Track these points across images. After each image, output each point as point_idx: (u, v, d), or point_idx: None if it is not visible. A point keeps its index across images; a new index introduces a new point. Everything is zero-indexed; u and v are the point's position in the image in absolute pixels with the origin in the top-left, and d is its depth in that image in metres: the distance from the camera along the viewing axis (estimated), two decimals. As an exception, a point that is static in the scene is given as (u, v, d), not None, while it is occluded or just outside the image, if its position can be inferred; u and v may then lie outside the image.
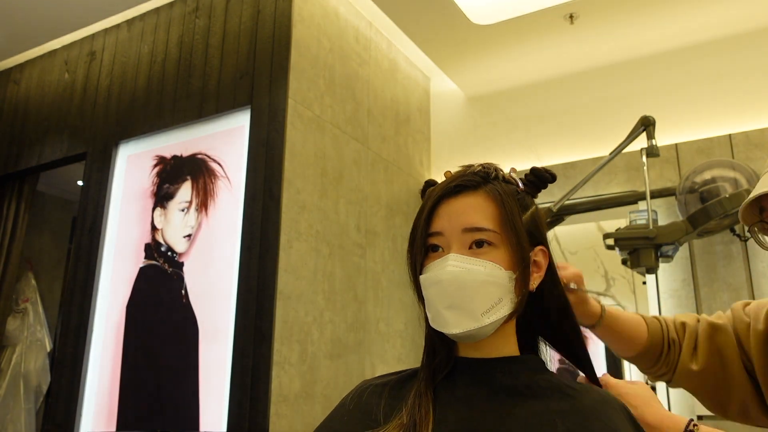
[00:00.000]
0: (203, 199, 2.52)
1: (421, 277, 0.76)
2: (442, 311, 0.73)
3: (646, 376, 1.18)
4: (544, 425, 0.69)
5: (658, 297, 2.68)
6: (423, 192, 0.83)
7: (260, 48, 2.53)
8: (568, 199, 2.40)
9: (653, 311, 2.68)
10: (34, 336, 3.88)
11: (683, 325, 1.18)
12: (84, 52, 3.23)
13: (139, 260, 2.64)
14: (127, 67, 2.99)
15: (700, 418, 2.24)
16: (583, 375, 0.87)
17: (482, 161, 0.82)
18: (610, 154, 2.28)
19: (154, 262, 2.59)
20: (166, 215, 2.62)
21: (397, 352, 2.91)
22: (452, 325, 0.73)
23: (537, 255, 0.79)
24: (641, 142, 2.39)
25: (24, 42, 3.31)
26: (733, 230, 2.57)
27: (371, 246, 2.82)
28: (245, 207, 2.37)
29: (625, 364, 2.84)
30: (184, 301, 2.45)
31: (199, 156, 2.59)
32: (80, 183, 3.04)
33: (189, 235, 2.52)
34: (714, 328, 1.13)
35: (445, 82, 3.51)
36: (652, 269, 2.43)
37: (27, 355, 3.83)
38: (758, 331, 1.04)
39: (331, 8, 2.75)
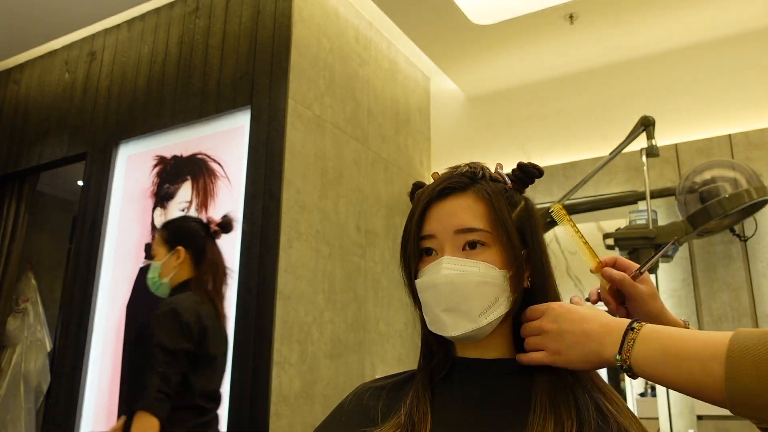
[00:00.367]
0: (203, 199, 2.52)
1: (417, 282, 0.77)
2: (439, 314, 0.73)
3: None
4: (541, 426, 0.69)
5: (658, 297, 2.68)
6: (411, 194, 0.83)
7: (260, 48, 2.53)
8: (568, 199, 2.40)
9: (653, 311, 2.68)
10: (34, 336, 3.88)
11: None
12: (84, 52, 3.23)
13: (139, 260, 2.64)
14: (127, 67, 2.99)
15: (700, 418, 2.24)
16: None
17: (482, 161, 0.82)
18: (610, 154, 2.29)
19: (154, 262, 2.59)
20: (166, 215, 2.62)
21: (397, 352, 2.91)
22: (450, 327, 0.73)
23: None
24: (641, 142, 2.39)
25: (24, 42, 3.31)
26: (733, 230, 2.57)
27: (371, 246, 2.82)
28: (245, 207, 2.37)
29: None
30: (184, 301, 2.44)
31: (199, 156, 2.59)
32: (80, 183, 3.04)
33: (189, 235, 2.52)
34: None
35: (445, 82, 3.52)
36: (652, 269, 2.43)
37: (27, 355, 3.83)
38: None
39: (331, 8, 2.75)
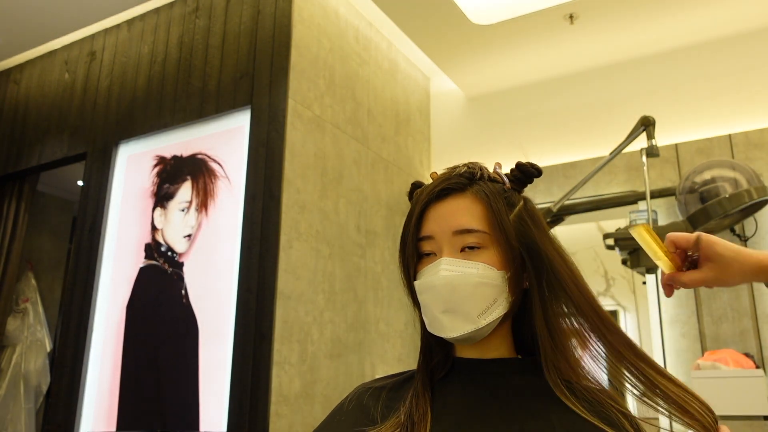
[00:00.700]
0: (203, 199, 2.52)
1: (416, 283, 0.76)
2: (438, 316, 0.73)
3: None
4: (541, 426, 0.69)
5: (658, 297, 2.68)
6: (410, 194, 0.82)
7: (260, 48, 2.53)
8: (568, 199, 2.40)
9: (653, 311, 2.68)
10: (34, 336, 3.88)
11: None
12: (84, 52, 3.23)
13: (139, 260, 2.64)
14: (127, 67, 2.99)
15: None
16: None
17: (482, 161, 0.82)
18: (610, 154, 2.29)
19: (154, 262, 2.59)
20: (166, 215, 2.62)
21: (397, 352, 2.91)
22: (449, 329, 0.73)
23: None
24: (641, 142, 2.39)
25: (24, 42, 3.31)
26: (733, 230, 2.57)
27: (371, 246, 2.82)
28: (245, 207, 2.37)
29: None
30: (184, 301, 2.45)
31: (199, 156, 2.59)
32: (80, 183, 3.04)
33: (189, 235, 2.52)
34: None
35: (445, 82, 3.52)
36: (652, 269, 2.43)
37: (27, 355, 3.83)
38: None
39: (331, 8, 2.75)
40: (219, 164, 2.52)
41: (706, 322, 2.59)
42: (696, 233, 0.78)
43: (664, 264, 0.80)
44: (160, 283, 2.54)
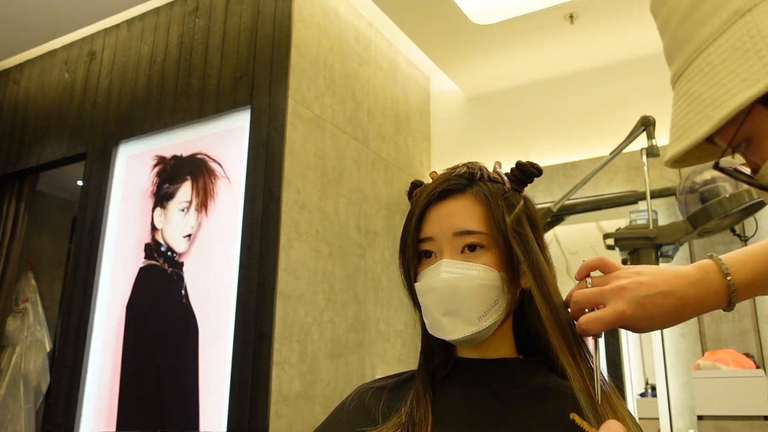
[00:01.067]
0: (203, 199, 2.52)
1: (416, 285, 0.76)
2: (439, 318, 0.73)
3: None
4: (542, 426, 0.69)
5: (658, 297, 2.68)
6: (410, 194, 0.82)
7: (260, 48, 2.53)
8: (568, 199, 2.40)
9: (653, 311, 2.68)
10: (34, 336, 3.88)
11: None
12: (84, 52, 3.23)
13: (139, 260, 2.64)
14: (127, 67, 2.99)
15: (700, 418, 2.24)
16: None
17: (482, 161, 0.82)
18: (610, 154, 2.29)
19: (154, 262, 2.59)
20: (166, 215, 2.62)
21: (397, 352, 2.91)
22: (450, 331, 0.73)
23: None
24: (641, 142, 2.39)
25: (24, 42, 3.31)
26: (733, 230, 2.57)
27: (371, 246, 2.82)
28: (245, 207, 2.37)
29: (625, 362, 2.84)
30: (184, 301, 2.45)
31: (199, 156, 2.59)
32: (80, 183, 3.04)
33: (189, 235, 2.52)
34: None
35: (445, 82, 3.51)
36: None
37: (27, 355, 3.83)
38: None
39: (331, 8, 2.75)
40: (219, 164, 2.52)
41: (706, 322, 2.59)
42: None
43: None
44: (160, 283, 2.54)
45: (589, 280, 0.71)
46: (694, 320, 2.60)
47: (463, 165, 0.79)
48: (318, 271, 2.43)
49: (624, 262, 2.48)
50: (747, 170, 0.59)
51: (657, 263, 2.40)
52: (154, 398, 2.41)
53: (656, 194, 2.66)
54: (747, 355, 2.37)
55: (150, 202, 2.69)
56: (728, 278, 0.65)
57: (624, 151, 2.33)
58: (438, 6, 2.74)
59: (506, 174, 0.80)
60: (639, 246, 2.39)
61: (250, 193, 2.37)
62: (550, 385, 0.74)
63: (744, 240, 2.58)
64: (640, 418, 2.79)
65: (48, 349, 3.92)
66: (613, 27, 2.87)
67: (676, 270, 0.67)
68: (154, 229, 2.64)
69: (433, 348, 0.80)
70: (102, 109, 3.02)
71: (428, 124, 3.56)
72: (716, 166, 0.59)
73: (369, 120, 2.94)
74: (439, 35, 2.98)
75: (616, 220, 2.78)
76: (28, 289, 3.98)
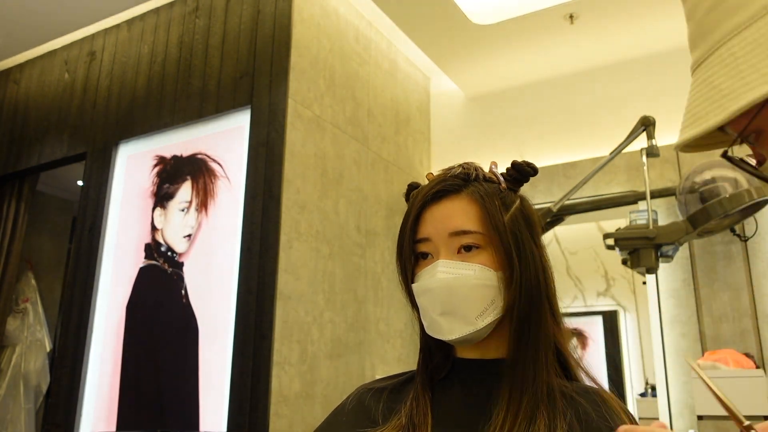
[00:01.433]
0: (203, 199, 2.52)
1: (413, 286, 0.77)
2: (436, 318, 0.73)
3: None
4: (542, 426, 0.69)
5: (658, 297, 2.68)
6: (407, 196, 0.83)
7: (260, 48, 2.53)
8: (568, 199, 2.40)
9: (653, 311, 2.68)
10: (34, 336, 3.88)
11: None
12: (84, 52, 3.23)
13: (139, 260, 2.64)
14: (127, 67, 2.99)
15: (700, 418, 2.24)
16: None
17: (482, 161, 0.82)
18: (610, 154, 2.29)
19: (154, 262, 2.59)
20: (166, 215, 2.62)
21: (397, 352, 2.91)
22: (447, 331, 0.73)
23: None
24: (641, 142, 2.39)
25: (24, 42, 3.31)
26: (733, 230, 2.57)
27: (371, 246, 2.82)
28: (245, 207, 2.37)
29: (625, 362, 2.84)
30: (184, 301, 2.45)
31: (199, 156, 2.59)
32: (80, 183, 3.04)
33: (189, 235, 2.52)
34: None
35: (445, 82, 3.51)
36: (652, 269, 2.43)
37: (27, 355, 3.83)
38: None
39: (331, 8, 2.75)
40: (219, 164, 2.52)
41: (706, 322, 2.59)
42: None
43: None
44: (160, 283, 2.54)
45: None
46: (694, 320, 2.60)
47: (459, 166, 0.79)
48: (318, 271, 2.43)
49: (624, 263, 2.48)
50: (753, 162, 0.61)
51: (657, 263, 2.41)
52: (154, 398, 2.41)
53: (656, 194, 2.66)
54: (747, 355, 2.37)
55: (150, 202, 2.69)
56: None
57: (624, 151, 2.33)
58: (438, 6, 2.75)
59: (502, 174, 0.80)
60: (639, 246, 2.39)
61: (250, 193, 2.37)
62: (550, 385, 0.74)
63: (744, 240, 2.58)
64: (640, 418, 2.79)
65: (48, 349, 3.92)
66: (613, 27, 2.87)
67: None
68: (154, 229, 2.64)
69: (432, 348, 0.80)
70: (102, 109, 3.02)
71: (428, 124, 3.56)
72: (724, 155, 0.61)
73: (369, 120, 2.94)
74: (439, 35, 2.99)
75: (616, 220, 2.78)
76: (28, 289, 3.98)
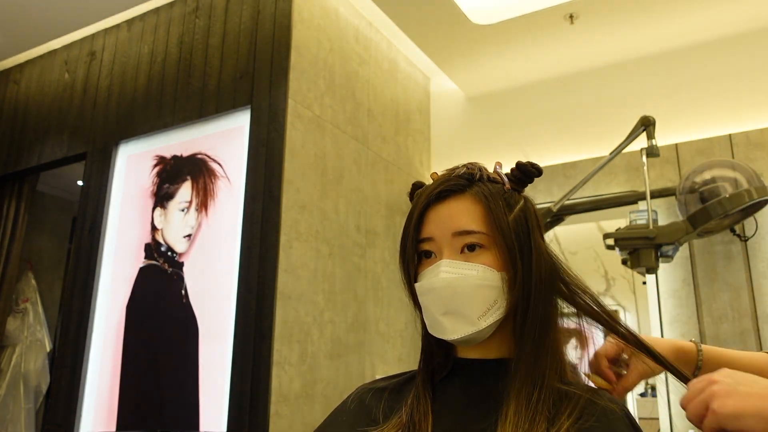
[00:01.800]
0: (203, 199, 2.52)
1: (416, 285, 0.77)
2: (438, 318, 0.73)
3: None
4: (542, 426, 0.69)
5: (658, 297, 2.68)
6: (411, 195, 0.83)
7: (260, 48, 2.53)
8: (568, 199, 2.40)
9: (653, 311, 2.68)
10: (34, 336, 3.88)
11: None
12: (84, 52, 3.23)
13: (139, 260, 2.64)
14: (127, 67, 2.99)
15: None
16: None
17: (482, 161, 0.82)
18: (610, 154, 2.29)
19: (154, 262, 2.59)
20: (166, 215, 2.62)
21: (398, 352, 2.91)
22: (449, 331, 0.73)
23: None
24: (641, 142, 2.39)
25: (24, 42, 3.31)
26: (733, 230, 2.57)
27: (371, 246, 2.82)
28: (245, 207, 2.37)
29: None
30: (184, 301, 2.45)
31: (199, 156, 2.59)
32: (80, 183, 3.04)
33: (189, 235, 2.52)
34: None
35: (445, 82, 3.52)
36: (652, 269, 2.43)
37: (27, 355, 3.83)
38: None
39: (331, 8, 2.75)
40: (219, 164, 2.52)
41: (706, 322, 2.59)
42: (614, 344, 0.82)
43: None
44: (160, 283, 2.54)
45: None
46: (694, 320, 2.60)
47: (463, 166, 0.79)
48: (318, 271, 2.43)
49: (624, 263, 2.48)
50: None
51: (657, 263, 2.41)
52: (154, 398, 2.41)
53: (656, 194, 2.66)
54: (747, 355, 2.37)
55: (150, 202, 2.69)
56: None
57: (624, 151, 2.33)
58: (438, 6, 2.75)
59: (506, 174, 0.80)
60: (639, 246, 2.39)
61: (250, 193, 2.37)
62: (550, 385, 0.74)
63: (744, 240, 2.58)
64: (640, 418, 2.79)
65: (48, 349, 3.92)
66: (613, 27, 2.87)
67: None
68: (154, 229, 2.64)
69: (434, 348, 0.80)
70: (102, 109, 3.02)
71: (428, 124, 3.56)
72: None
73: (369, 120, 2.94)
74: (439, 35, 2.99)
75: (616, 220, 2.78)
76: (28, 289, 3.98)
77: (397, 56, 3.31)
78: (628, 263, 2.45)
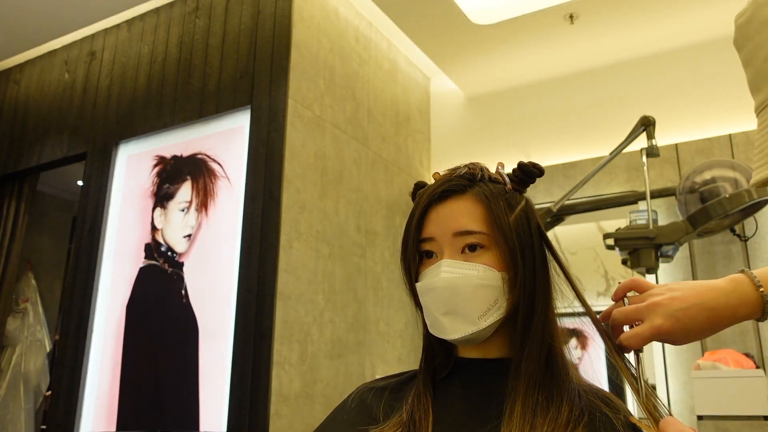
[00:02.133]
0: (203, 199, 2.53)
1: (417, 285, 0.77)
2: (439, 318, 0.74)
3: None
4: (542, 426, 0.69)
5: (658, 297, 2.68)
6: (413, 194, 0.83)
7: (260, 48, 2.53)
8: (568, 199, 2.40)
9: (653, 311, 2.68)
10: (34, 336, 3.88)
11: None
12: (84, 52, 3.23)
13: (139, 260, 2.64)
14: (127, 67, 2.99)
15: (700, 418, 2.24)
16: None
17: (482, 161, 0.82)
18: (610, 154, 2.29)
19: (154, 262, 2.59)
20: (166, 215, 2.62)
21: (398, 352, 2.91)
22: (450, 331, 0.73)
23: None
24: (641, 142, 2.39)
25: (24, 42, 3.31)
26: (733, 230, 2.57)
27: (371, 246, 2.82)
28: (245, 207, 2.37)
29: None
30: (184, 301, 2.45)
31: (199, 156, 2.59)
32: (80, 183, 3.04)
33: (189, 235, 2.52)
34: None
35: (445, 82, 3.52)
36: (652, 269, 2.43)
37: (27, 355, 3.83)
38: None
39: (331, 8, 2.75)
40: (219, 164, 2.52)
41: (706, 322, 2.59)
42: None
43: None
44: (160, 283, 2.54)
45: (626, 299, 0.77)
46: (694, 320, 2.59)
47: (465, 166, 0.79)
48: (318, 271, 2.43)
49: (624, 263, 2.48)
50: None
51: (657, 263, 2.41)
52: (154, 398, 2.41)
53: (656, 194, 2.66)
54: (747, 355, 2.37)
55: (150, 202, 2.69)
56: (761, 290, 0.69)
57: (624, 151, 2.33)
58: (438, 6, 2.75)
59: (508, 174, 0.80)
60: (639, 246, 2.39)
61: (250, 193, 2.37)
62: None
63: (744, 240, 2.58)
64: (640, 419, 2.79)
65: (48, 349, 3.93)
66: (613, 27, 2.87)
67: (708, 283, 0.72)
68: (154, 229, 2.64)
69: (434, 348, 0.80)
70: (102, 109, 3.02)
71: (428, 124, 3.56)
72: None
73: (369, 120, 2.94)
74: (439, 35, 2.99)
75: (616, 220, 2.78)
76: (28, 289, 3.98)
77: (397, 56, 3.31)
78: (628, 263, 2.45)
